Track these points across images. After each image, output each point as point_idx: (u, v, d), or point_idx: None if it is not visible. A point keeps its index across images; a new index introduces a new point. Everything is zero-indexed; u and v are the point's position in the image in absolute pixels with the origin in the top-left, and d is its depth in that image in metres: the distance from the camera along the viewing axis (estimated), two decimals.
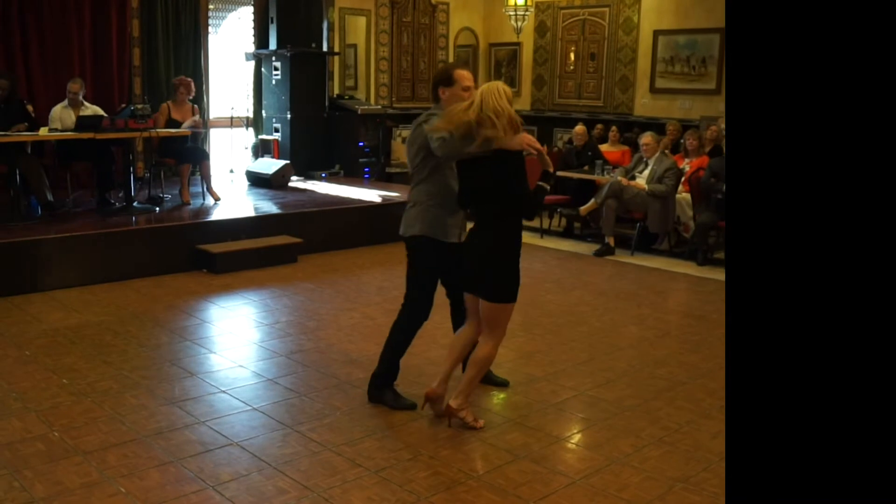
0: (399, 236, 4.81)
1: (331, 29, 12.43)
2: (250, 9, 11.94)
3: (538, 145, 4.21)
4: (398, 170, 12.85)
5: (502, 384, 5.17)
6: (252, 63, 12.05)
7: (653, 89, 12.47)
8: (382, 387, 4.78)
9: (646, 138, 9.37)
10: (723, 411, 4.85)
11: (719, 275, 8.45)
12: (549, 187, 4.34)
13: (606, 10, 12.90)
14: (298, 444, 4.20)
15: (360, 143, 12.12)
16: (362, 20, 12.92)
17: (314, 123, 11.91)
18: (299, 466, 3.96)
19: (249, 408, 4.67)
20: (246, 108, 11.95)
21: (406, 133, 13.47)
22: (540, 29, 13.77)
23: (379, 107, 12.85)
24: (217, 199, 9.32)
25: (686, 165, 9.56)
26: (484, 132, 4.04)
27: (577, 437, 4.54)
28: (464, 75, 4.55)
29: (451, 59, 14.19)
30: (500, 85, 4.19)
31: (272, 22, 11.56)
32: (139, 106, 8.64)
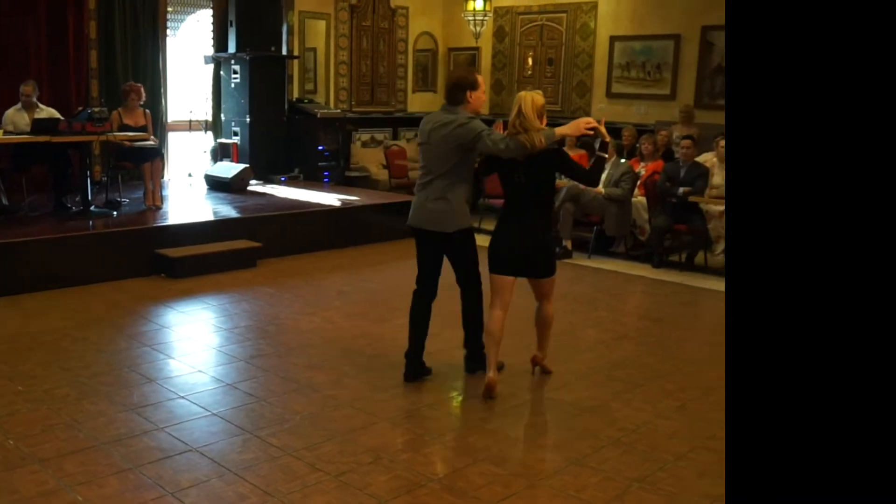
0: (426, 231, 5.23)
1: (290, 32, 12.39)
2: (209, 12, 11.87)
3: (593, 123, 5.00)
4: (358, 174, 12.86)
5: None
6: (211, 66, 11.98)
7: (609, 94, 12.59)
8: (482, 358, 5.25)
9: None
10: (679, 412, 4.95)
11: (675, 277, 8.57)
12: (605, 156, 5.19)
13: (564, 15, 13.00)
14: (258, 450, 4.20)
15: (320, 147, 12.09)
16: (322, 24, 12.91)
17: (274, 127, 11.87)
18: (259, 472, 3.95)
19: (209, 413, 4.65)
20: (205, 112, 11.87)
21: (365, 137, 13.54)
22: (498, 34, 13.85)
23: (338, 111, 12.83)
24: (158, 206, 9.02)
25: (642, 169, 9.68)
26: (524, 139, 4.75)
27: (536, 439, 4.59)
28: (482, 80, 5.10)
29: (410, 64, 14.22)
30: (525, 96, 4.88)
31: (231, 25, 11.51)
32: (96, 109, 8.56)
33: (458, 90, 4.96)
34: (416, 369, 5.32)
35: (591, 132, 5.02)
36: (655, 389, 5.32)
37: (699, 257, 9.07)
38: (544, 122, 4.90)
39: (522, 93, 4.95)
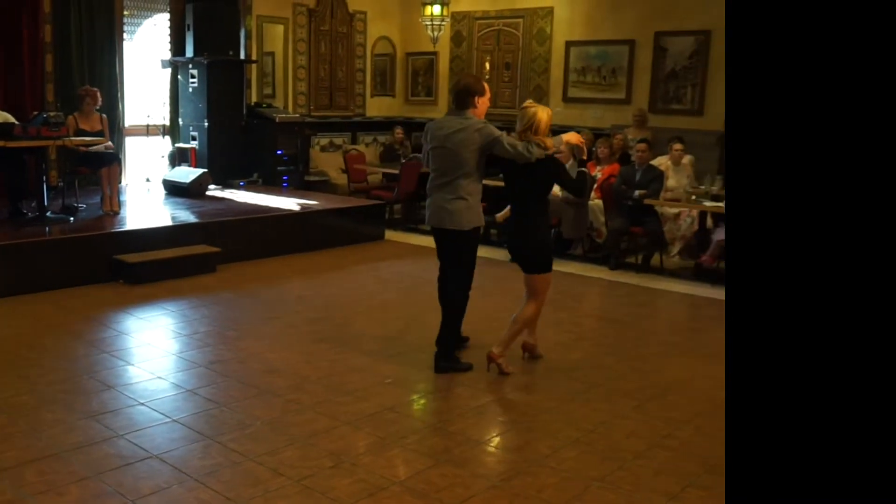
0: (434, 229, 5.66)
1: (248, 37, 12.37)
2: (166, 16, 11.81)
3: (574, 140, 5.62)
4: (317, 178, 12.85)
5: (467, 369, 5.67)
6: (168, 70, 11.91)
7: (566, 98, 12.71)
8: (452, 357, 5.66)
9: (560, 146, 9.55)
10: (636, 411, 5.02)
11: (631, 279, 8.68)
12: (586, 170, 5.78)
13: (520, 20, 13.10)
14: (219, 455, 4.19)
15: (279, 152, 12.08)
16: (280, 28, 12.89)
17: (232, 132, 11.83)
18: (221, 477, 3.95)
19: (169, 420, 4.64)
20: (162, 116, 11.79)
21: (324, 141, 13.53)
22: (456, 38, 13.92)
23: (297, 115, 12.82)
24: (116, 211, 8.95)
25: (598, 173, 9.79)
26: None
27: (496, 441, 4.63)
28: (488, 86, 5.61)
29: (368, 69, 14.25)
30: (535, 111, 5.39)
31: (189, 29, 11.46)
32: (52, 113, 8.47)
33: (467, 95, 5.39)
34: (457, 341, 5.85)
35: (581, 143, 5.67)
36: (613, 389, 5.39)
37: (655, 259, 9.20)
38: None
39: (538, 107, 5.45)
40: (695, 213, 9.12)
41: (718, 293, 8.13)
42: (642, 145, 9.11)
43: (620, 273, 8.90)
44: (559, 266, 9.09)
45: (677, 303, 8.03)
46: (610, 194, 9.29)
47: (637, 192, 8.90)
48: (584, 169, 5.74)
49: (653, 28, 11.60)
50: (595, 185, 9.54)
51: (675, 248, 9.54)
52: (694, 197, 8.99)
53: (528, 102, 5.60)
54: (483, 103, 5.47)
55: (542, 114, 5.38)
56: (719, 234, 8.50)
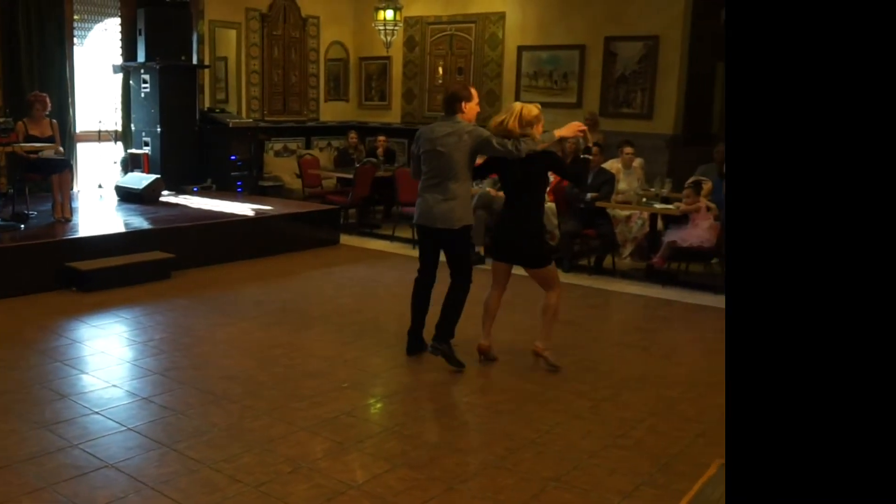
0: (436, 228, 5.76)
1: (201, 41, 12.28)
2: (117, 20, 11.68)
3: (583, 127, 5.81)
4: (271, 183, 12.80)
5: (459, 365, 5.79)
6: (120, 76, 11.79)
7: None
8: (448, 343, 5.82)
9: None
10: (591, 411, 5.09)
11: (584, 280, 8.78)
12: (589, 157, 6.12)
13: (473, 25, 13.17)
14: (176, 463, 4.18)
15: (233, 157, 12.01)
16: (232, 33, 12.82)
17: (185, 137, 11.74)
18: (178, 485, 3.94)
19: (124, 428, 4.61)
20: (114, 122, 11.66)
21: (278, 146, 13.49)
22: (409, 43, 13.94)
23: (250, 120, 12.76)
24: (67, 218, 8.82)
25: (550, 176, 9.87)
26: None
27: (453, 443, 4.66)
28: (475, 92, 5.81)
29: (322, 73, 14.22)
30: (519, 108, 5.60)
31: (140, 34, 11.35)
32: (1, 119, 8.36)
33: (454, 101, 5.65)
34: (416, 344, 6.03)
35: (582, 134, 5.80)
36: (568, 390, 5.46)
37: (607, 261, 9.32)
38: (539, 129, 5.59)
39: (517, 103, 5.75)
40: (645, 215, 9.24)
41: (669, 294, 8.27)
42: (595, 148, 9.21)
43: (574, 275, 9.00)
44: (513, 269, 9.20)
45: (629, 304, 8.14)
46: (563, 197, 9.38)
47: (589, 195, 9.01)
48: (585, 156, 6.01)
49: (603, 33, 11.73)
50: (548, 189, 9.63)
51: (627, 250, 9.65)
52: (644, 199, 9.12)
53: (516, 103, 5.80)
54: (471, 108, 5.69)
55: (516, 107, 5.61)
56: (670, 236, 8.63)
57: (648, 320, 7.62)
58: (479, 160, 5.79)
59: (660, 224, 9.18)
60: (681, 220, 8.61)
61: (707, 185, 9.05)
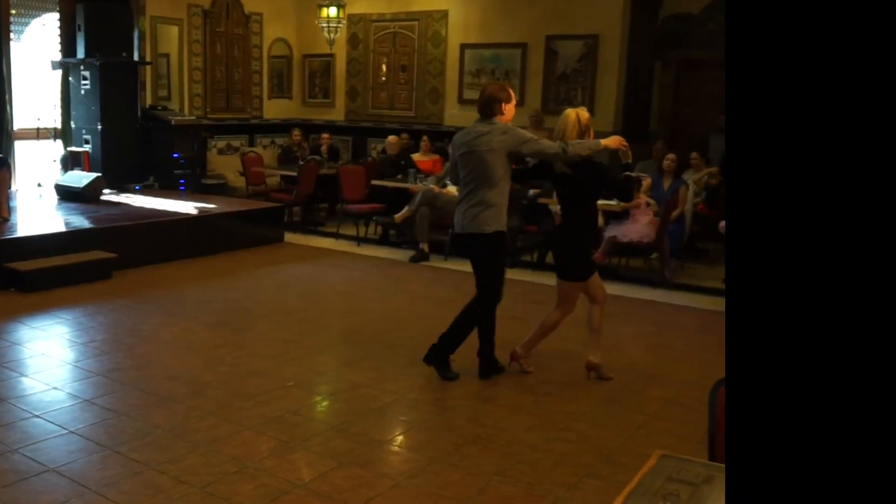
0: (462, 234, 5.52)
1: (142, 38, 12.12)
2: (56, 15, 11.48)
3: (625, 143, 5.43)
4: (214, 181, 12.70)
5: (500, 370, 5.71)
6: (59, 72, 11.59)
7: (461, 100, 12.84)
8: (446, 364, 5.59)
9: None
10: (535, 406, 5.17)
11: (527, 276, 8.87)
12: (632, 174, 5.77)
13: (416, 23, 13.19)
14: (119, 466, 4.14)
15: (175, 155, 11.89)
16: (174, 29, 12.68)
17: (126, 135, 11.58)
18: (121, 488, 3.90)
19: (66, 431, 4.56)
20: (53, 119, 11.47)
21: (221, 144, 13.38)
22: (352, 41, 13.92)
23: (193, 118, 12.64)
24: (5, 217, 8.65)
25: None
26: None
27: (399, 440, 4.71)
28: (513, 93, 5.50)
29: (265, 70, 14.13)
30: (570, 113, 5.41)
31: (80, 30, 11.16)
32: None
33: (492, 104, 5.31)
34: (490, 367, 5.69)
35: (625, 147, 5.43)
36: (512, 385, 5.53)
37: (550, 256, 9.41)
38: (591, 136, 5.37)
39: (570, 110, 5.45)
40: None
41: (610, 289, 8.34)
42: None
43: (517, 271, 9.08)
44: (457, 265, 9.27)
45: None
46: None
47: (532, 192, 9.10)
48: (630, 173, 5.65)
49: (544, 32, 11.84)
50: None
51: None
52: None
53: (570, 110, 5.51)
54: (510, 110, 5.39)
55: (571, 115, 5.38)
56: (610, 232, 8.75)
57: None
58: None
59: (601, 220, 9.30)
60: (621, 216, 8.74)
61: (646, 182, 9.20)
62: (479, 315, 5.57)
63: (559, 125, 5.40)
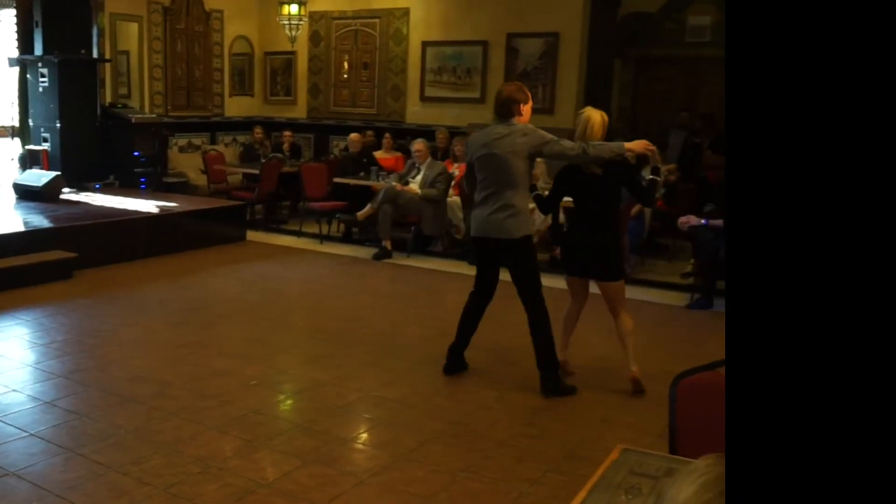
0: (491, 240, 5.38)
1: (101, 35, 11.99)
2: (12, 11, 11.33)
3: (653, 147, 5.34)
4: (176, 179, 12.61)
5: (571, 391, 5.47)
6: (16, 69, 11.44)
7: (423, 98, 12.88)
8: (557, 378, 5.39)
9: (417, 145, 9.73)
10: (498, 402, 5.21)
11: None
12: (659, 179, 5.66)
13: (377, 21, 13.18)
14: (82, 468, 4.11)
15: (136, 153, 11.79)
16: (134, 26, 12.56)
17: (86, 133, 11.46)
18: (84, 491, 3.88)
19: (26, 434, 4.51)
20: (11, 117, 11.35)
21: (182, 141, 13.29)
22: (314, 38, 13.89)
23: (154, 115, 12.54)
24: None
25: (455, 170, 10.01)
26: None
27: (363, 437, 4.73)
28: (529, 92, 5.37)
29: (226, 68, 14.05)
30: (592, 114, 5.34)
31: (37, 26, 11.03)
32: None
33: (511, 104, 5.20)
34: (456, 363, 5.69)
35: (651, 152, 5.35)
36: (475, 381, 5.57)
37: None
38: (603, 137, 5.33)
39: (590, 110, 5.38)
40: None
41: None
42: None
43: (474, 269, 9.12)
44: (420, 262, 9.32)
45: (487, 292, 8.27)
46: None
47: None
48: (655, 177, 5.52)
49: (505, 29, 11.90)
50: (453, 183, 9.75)
51: None
52: (546, 192, 9.28)
53: (585, 109, 5.48)
54: (527, 110, 5.27)
55: (595, 115, 5.33)
56: None
57: (551, 311, 7.74)
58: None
59: (562, 217, 9.36)
60: None
61: None
62: (543, 321, 5.44)
63: (582, 125, 5.32)
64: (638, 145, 5.32)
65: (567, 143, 5.17)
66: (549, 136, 5.21)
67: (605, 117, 5.37)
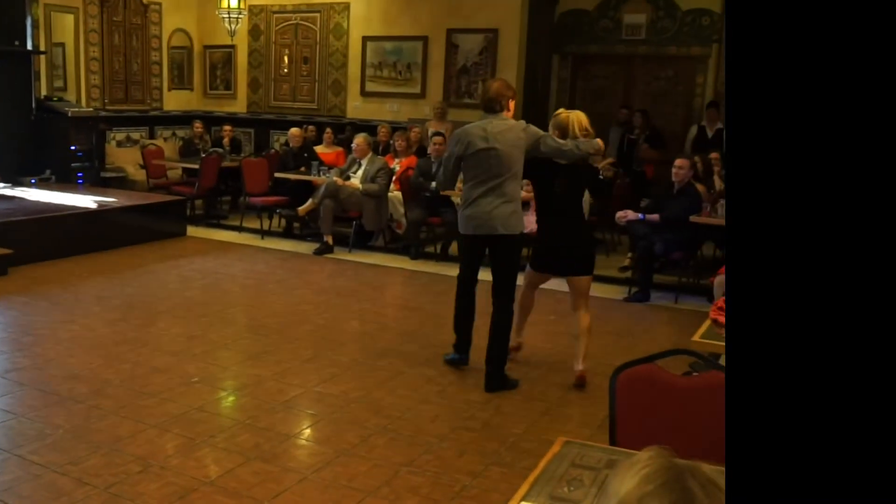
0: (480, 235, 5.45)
1: (35, 26, 11.74)
2: None
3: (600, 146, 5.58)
4: (114, 174, 12.43)
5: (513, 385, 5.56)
6: None
7: (363, 93, 12.89)
8: (505, 376, 5.48)
9: (358, 140, 9.74)
10: (439, 396, 5.27)
11: (431, 267, 8.97)
12: (611, 174, 6.05)
13: (318, 15, 13.14)
14: (18, 469, 4.06)
15: (73, 147, 11.59)
16: (70, 18, 12.34)
17: (20, 126, 11.26)
18: (21, 492, 3.84)
19: None
20: None
21: (120, 136, 13.11)
22: (254, 32, 13.79)
23: (91, 109, 12.33)
24: None
25: (396, 165, 10.05)
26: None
27: (306, 433, 4.75)
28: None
29: (165, 61, 13.87)
30: (568, 115, 5.53)
31: None
32: None
33: (501, 99, 5.34)
34: (466, 346, 5.77)
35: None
36: (417, 376, 5.61)
37: (453, 247, 9.53)
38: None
39: (565, 111, 5.60)
40: None
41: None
42: (439, 138, 9.41)
43: (420, 262, 9.18)
44: (361, 257, 9.34)
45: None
46: (408, 186, 9.54)
47: (434, 184, 9.20)
48: (603, 177, 5.97)
49: (445, 25, 11.97)
50: (394, 178, 9.79)
51: None
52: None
53: (561, 110, 5.69)
54: (513, 106, 5.46)
55: (576, 116, 5.49)
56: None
57: (548, 312, 7.79)
58: None
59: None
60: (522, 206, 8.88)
61: None
62: (508, 323, 5.53)
63: (564, 123, 5.47)
64: (600, 143, 5.59)
65: (559, 139, 5.37)
66: (543, 132, 5.38)
67: (584, 117, 5.53)
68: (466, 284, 5.68)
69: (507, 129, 5.29)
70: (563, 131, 5.44)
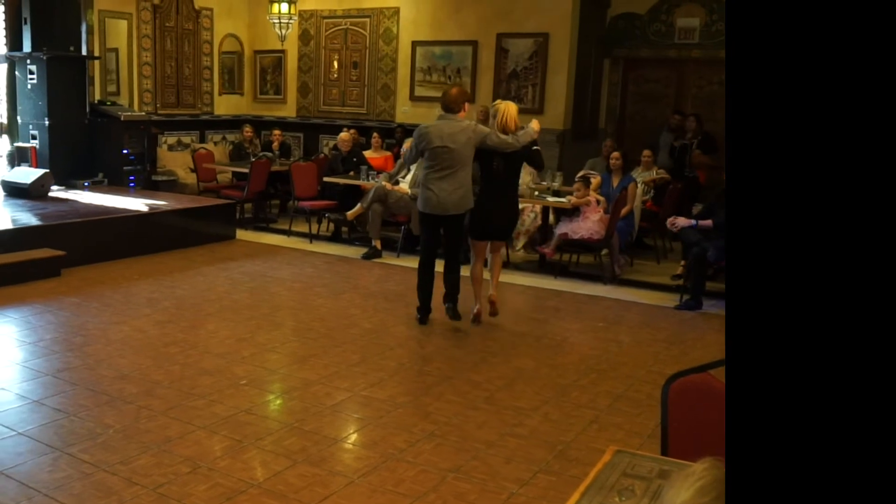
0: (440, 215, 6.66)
1: (90, 32, 11.95)
2: (1, 8, 11.27)
3: (537, 127, 6.86)
4: (165, 178, 12.57)
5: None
6: (5, 66, 11.39)
7: (412, 97, 12.90)
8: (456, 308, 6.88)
9: (407, 144, 9.72)
10: (487, 402, 5.22)
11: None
12: (538, 148, 6.90)
13: (367, 20, 13.19)
14: (70, 467, 4.10)
15: (125, 151, 11.75)
16: (123, 24, 12.53)
17: (75, 130, 11.43)
18: (72, 490, 3.87)
19: (14, 433, 4.50)
20: None
21: (171, 140, 13.27)
22: (304, 37, 13.88)
23: (143, 113, 12.50)
24: None
25: None
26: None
27: (353, 438, 4.73)
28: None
29: (216, 66, 14.02)
30: (505, 108, 6.73)
31: (25, 23, 10.98)
32: None
33: (461, 101, 6.64)
34: (426, 312, 6.99)
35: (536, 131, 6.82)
36: (464, 381, 5.58)
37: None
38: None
39: (501, 103, 6.76)
40: (538, 208, 9.48)
41: (561, 285, 8.49)
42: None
43: (468, 267, 9.12)
44: (409, 262, 9.29)
45: (521, 294, 8.31)
46: None
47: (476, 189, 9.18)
48: (537, 147, 6.83)
49: (494, 30, 11.93)
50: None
51: (520, 243, 9.87)
52: (537, 193, 9.34)
53: (498, 101, 6.88)
54: (468, 108, 6.76)
55: (510, 107, 6.67)
56: (561, 228, 8.84)
57: (539, 311, 7.81)
58: None
59: (551, 217, 9.40)
60: (572, 212, 8.84)
61: (596, 180, 9.33)
62: (458, 268, 6.91)
63: (501, 116, 6.63)
64: (536, 125, 6.83)
65: (503, 136, 6.52)
66: (488, 130, 6.57)
67: (515, 109, 6.71)
68: (428, 257, 6.90)
69: (460, 130, 6.50)
70: (503, 122, 6.62)
